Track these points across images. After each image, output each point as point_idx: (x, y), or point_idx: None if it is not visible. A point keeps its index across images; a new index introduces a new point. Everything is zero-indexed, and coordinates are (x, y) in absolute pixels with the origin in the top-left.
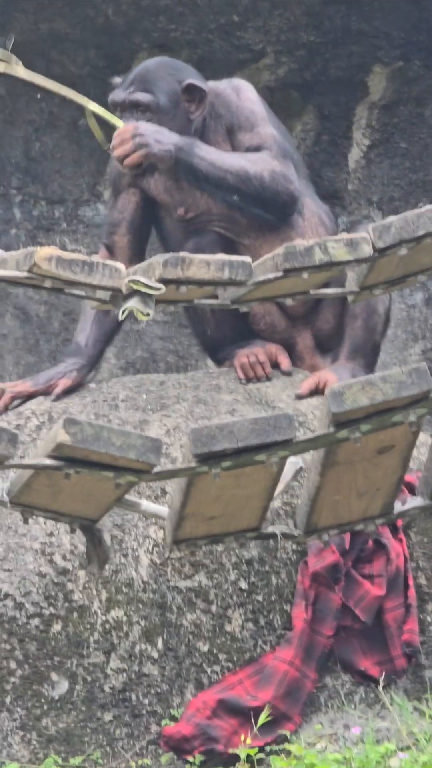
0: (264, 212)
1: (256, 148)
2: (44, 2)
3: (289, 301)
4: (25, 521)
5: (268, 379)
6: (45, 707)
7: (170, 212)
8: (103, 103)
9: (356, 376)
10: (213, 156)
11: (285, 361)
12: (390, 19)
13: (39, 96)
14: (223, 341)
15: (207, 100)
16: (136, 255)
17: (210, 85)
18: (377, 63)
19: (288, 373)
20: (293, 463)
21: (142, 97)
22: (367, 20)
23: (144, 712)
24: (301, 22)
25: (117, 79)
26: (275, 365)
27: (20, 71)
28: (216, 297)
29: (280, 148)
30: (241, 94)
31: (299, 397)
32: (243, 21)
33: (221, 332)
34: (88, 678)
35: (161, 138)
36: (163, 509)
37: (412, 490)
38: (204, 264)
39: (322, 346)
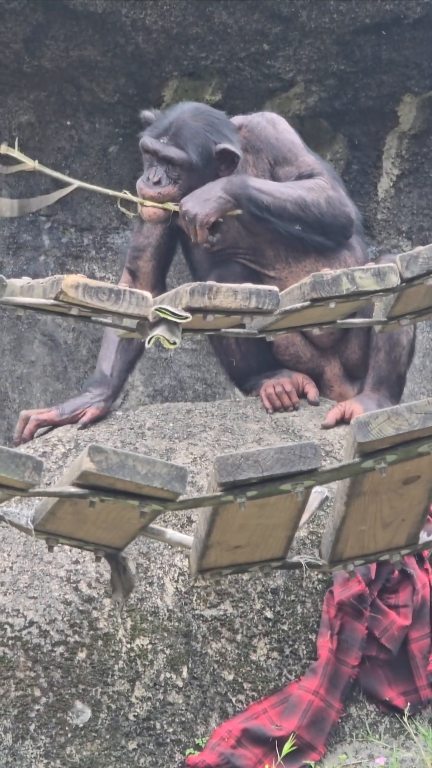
0: (325, 239)
1: (309, 176)
2: (75, 30)
3: (315, 331)
4: (50, 549)
5: (295, 408)
6: (69, 735)
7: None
8: (133, 130)
9: (382, 406)
10: (268, 186)
11: (312, 391)
12: (420, 49)
13: (69, 123)
14: (249, 372)
15: (239, 162)
16: (159, 281)
17: (241, 119)
18: (407, 92)
19: (315, 403)
20: (319, 492)
21: (176, 154)
22: (398, 50)
23: (168, 740)
24: (331, 52)
25: (147, 113)
26: (302, 395)
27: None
28: (243, 326)
29: (329, 173)
30: (278, 126)
31: (325, 427)
32: (273, 50)
33: (247, 363)
34: (113, 706)
35: (205, 196)
36: (188, 538)
37: None
38: (231, 293)
39: (350, 374)
